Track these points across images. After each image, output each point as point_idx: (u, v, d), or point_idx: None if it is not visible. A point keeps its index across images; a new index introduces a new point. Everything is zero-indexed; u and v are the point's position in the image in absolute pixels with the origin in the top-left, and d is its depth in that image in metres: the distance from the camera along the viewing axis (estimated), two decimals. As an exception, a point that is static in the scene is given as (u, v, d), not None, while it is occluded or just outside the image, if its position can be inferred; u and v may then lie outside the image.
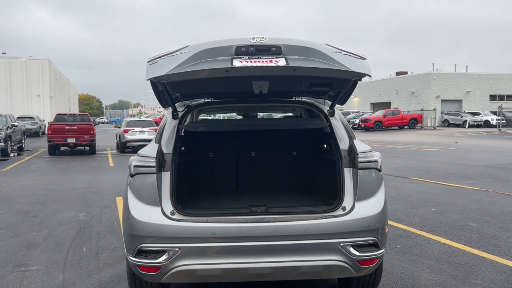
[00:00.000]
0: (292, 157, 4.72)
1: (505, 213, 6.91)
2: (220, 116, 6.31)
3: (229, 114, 5.79)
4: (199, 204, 3.85)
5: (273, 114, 6.31)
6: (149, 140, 4.73)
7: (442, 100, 47.74)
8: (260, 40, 2.94)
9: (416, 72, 52.70)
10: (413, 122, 40.56)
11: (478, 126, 40.75)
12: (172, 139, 3.53)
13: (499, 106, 38.05)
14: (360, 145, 3.47)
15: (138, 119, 24.23)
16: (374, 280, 3.67)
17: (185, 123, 3.92)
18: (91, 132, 18.87)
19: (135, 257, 3.11)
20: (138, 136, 19.15)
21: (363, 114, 43.40)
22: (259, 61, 2.85)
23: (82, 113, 23.00)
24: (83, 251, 5.26)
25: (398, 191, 8.91)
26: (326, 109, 3.86)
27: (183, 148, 4.02)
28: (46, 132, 24.91)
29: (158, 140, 3.53)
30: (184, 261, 3.04)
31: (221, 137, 4.71)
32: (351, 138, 3.58)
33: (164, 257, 3.03)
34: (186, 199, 3.76)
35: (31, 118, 33.94)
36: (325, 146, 3.99)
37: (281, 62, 2.85)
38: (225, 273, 3.11)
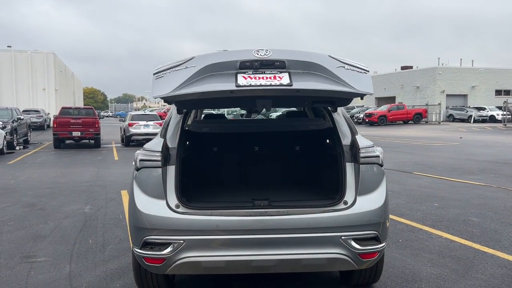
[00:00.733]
0: (295, 152, 4.78)
1: (507, 208, 6.93)
2: (225, 111, 6.37)
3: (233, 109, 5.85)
4: (203, 197, 3.91)
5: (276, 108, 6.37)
6: (154, 134, 4.81)
7: (447, 95, 47.56)
8: (264, 54, 3.00)
9: (421, 66, 52.56)
10: (418, 117, 40.38)
11: (484, 121, 40.58)
12: (177, 133, 3.60)
13: (505, 101, 37.83)
14: (362, 140, 3.52)
15: (143, 112, 24.29)
16: (375, 273, 3.74)
17: (190, 121, 4.00)
18: (96, 125, 18.98)
19: (140, 249, 3.18)
20: (143, 130, 19.23)
21: (367, 109, 43.30)
22: (263, 78, 2.92)
23: (87, 106, 23.13)
24: (89, 243, 5.35)
25: (402, 186, 8.95)
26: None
27: (187, 143, 4.09)
28: (51, 125, 25.03)
29: (163, 135, 3.60)
30: (189, 253, 3.11)
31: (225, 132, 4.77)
32: (353, 133, 3.63)
33: (169, 249, 3.10)
34: (191, 193, 3.83)
35: (37, 111, 34.10)
36: (327, 141, 4.05)
37: (285, 77, 2.93)
38: (228, 265, 3.18)
